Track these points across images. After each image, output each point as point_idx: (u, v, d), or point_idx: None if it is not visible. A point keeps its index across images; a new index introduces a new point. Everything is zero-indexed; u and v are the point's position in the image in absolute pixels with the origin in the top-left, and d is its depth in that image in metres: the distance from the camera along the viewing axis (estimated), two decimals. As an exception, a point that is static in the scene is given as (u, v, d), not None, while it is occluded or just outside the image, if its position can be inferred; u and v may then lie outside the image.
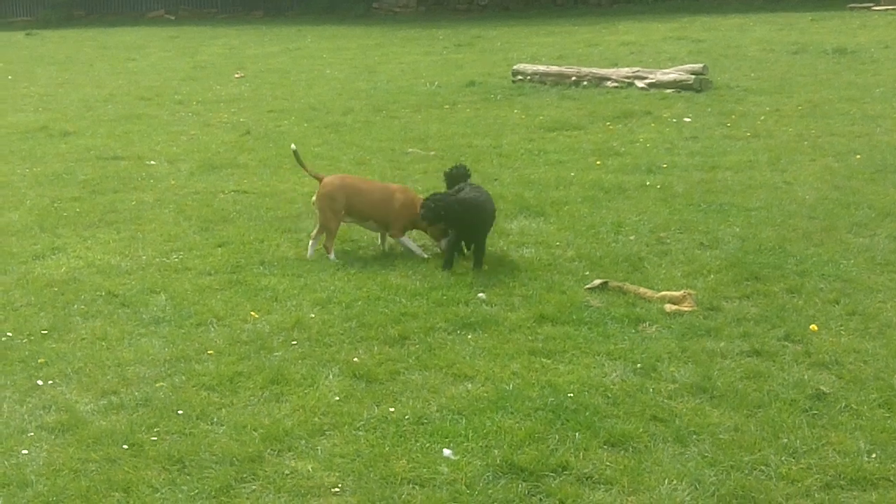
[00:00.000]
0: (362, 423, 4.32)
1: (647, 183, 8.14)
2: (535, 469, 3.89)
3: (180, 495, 3.84)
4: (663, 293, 5.59)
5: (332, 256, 6.50)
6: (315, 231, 6.63)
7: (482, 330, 5.27)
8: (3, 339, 5.39)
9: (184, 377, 4.84)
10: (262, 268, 6.42)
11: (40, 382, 4.83)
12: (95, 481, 3.93)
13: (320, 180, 6.57)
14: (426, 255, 6.52)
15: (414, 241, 6.66)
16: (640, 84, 12.68)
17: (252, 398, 4.60)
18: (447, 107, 12.33)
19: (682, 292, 5.53)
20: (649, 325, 5.27)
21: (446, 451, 4.04)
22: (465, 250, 6.44)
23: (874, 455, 3.92)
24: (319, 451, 4.09)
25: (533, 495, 3.77)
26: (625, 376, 4.68)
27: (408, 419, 4.32)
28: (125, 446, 4.18)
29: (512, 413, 4.34)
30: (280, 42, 21.39)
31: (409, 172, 8.85)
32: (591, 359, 4.88)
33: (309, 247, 6.58)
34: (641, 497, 3.72)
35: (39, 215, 7.92)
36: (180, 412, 4.47)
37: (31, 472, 4.02)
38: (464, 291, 5.81)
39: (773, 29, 18.46)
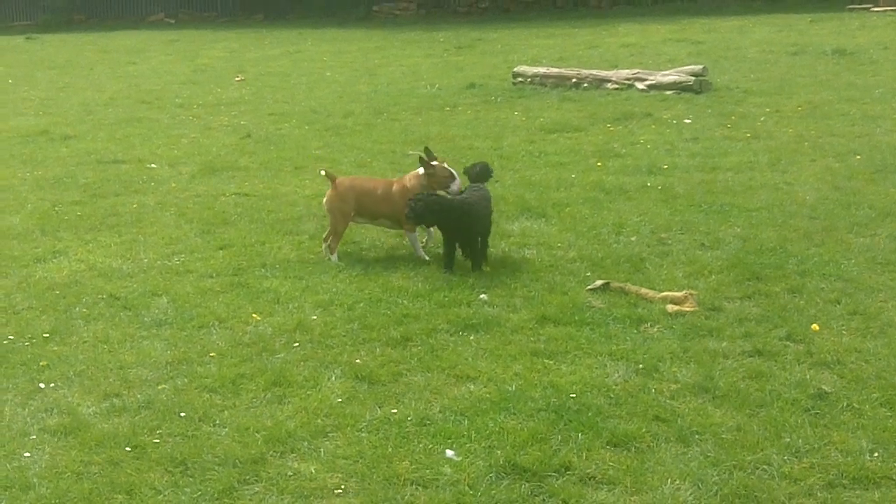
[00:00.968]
0: (365, 424, 4.32)
1: (648, 184, 8.14)
2: (537, 469, 3.89)
3: (183, 497, 3.84)
4: (665, 294, 5.59)
5: (334, 258, 6.51)
6: (327, 234, 6.66)
7: (484, 331, 5.27)
8: (5, 342, 5.40)
9: (186, 379, 4.84)
10: (263, 270, 6.43)
11: (42, 385, 4.84)
12: (98, 484, 3.94)
13: (333, 182, 6.57)
14: (427, 258, 6.52)
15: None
16: (640, 86, 12.69)
17: (254, 400, 4.60)
18: (448, 109, 12.34)
19: (683, 293, 5.54)
20: (651, 325, 5.27)
21: (449, 452, 4.04)
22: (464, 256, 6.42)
23: (876, 454, 3.92)
24: (322, 453, 4.10)
25: (536, 496, 3.77)
26: (627, 377, 4.68)
27: (410, 420, 4.33)
28: (128, 449, 4.19)
29: (514, 414, 4.34)
30: (280, 45, 21.42)
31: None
32: (594, 359, 4.89)
33: (324, 250, 6.59)
34: (644, 497, 3.72)
35: (40, 219, 7.93)
36: (183, 414, 4.47)
37: (34, 474, 4.02)
38: (466, 293, 5.82)
39: (772, 30, 18.48)
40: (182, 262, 6.70)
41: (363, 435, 4.23)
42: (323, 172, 6.71)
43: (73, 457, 4.15)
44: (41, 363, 5.09)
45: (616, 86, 12.87)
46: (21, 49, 23.79)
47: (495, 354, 4.99)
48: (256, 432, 4.27)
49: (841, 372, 4.65)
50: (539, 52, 17.27)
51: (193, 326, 5.52)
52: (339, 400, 4.55)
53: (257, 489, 3.88)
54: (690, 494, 3.72)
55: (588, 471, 3.89)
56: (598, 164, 8.99)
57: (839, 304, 5.46)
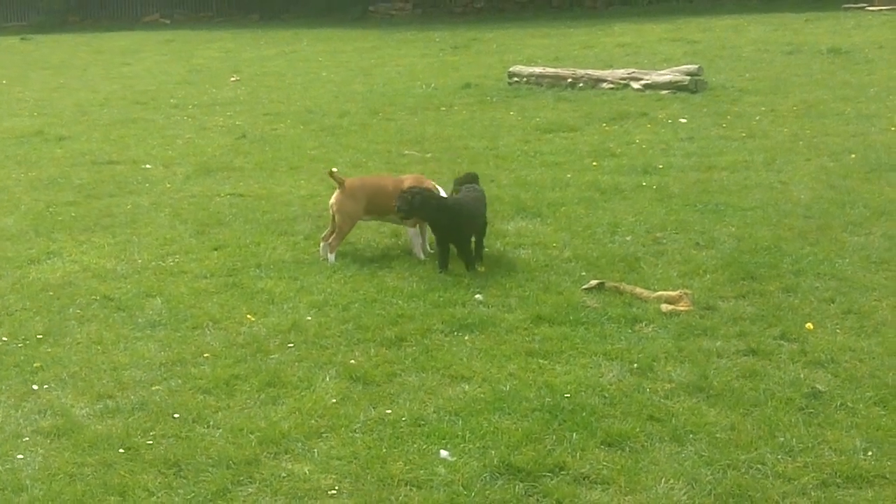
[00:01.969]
0: (359, 425, 4.31)
1: (644, 183, 8.14)
2: (532, 469, 3.89)
3: (176, 499, 3.83)
4: (660, 293, 5.59)
5: (331, 258, 6.50)
6: (327, 233, 6.66)
7: (479, 331, 5.27)
8: (-1, 343, 5.39)
9: (180, 380, 4.83)
10: (258, 271, 6.42)
11: (36, 387, 4.83)
12: (91, 485, 3.93)
13: (341, 184, 6.55)
14: (423, 257, 6.51)
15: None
16: (635, 85, 12.69)
17: (248, 401, 4.60)
18: (443, 109, 12.33)
19: (678, 292, 5.54)
20: (646, 325, 5.27)
21: (443, 453, 4.04)
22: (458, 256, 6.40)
23: (870, 453, 3.92)
24: (316, 454, 4.09)
25: (530, 496, 3.77)
26: (621, 376, 4.68)
27: (405, 421, 4.32)
28: (121, 450, 4.18)
29: (509, 414, 4.34)
30: (276, 45, 21.38)
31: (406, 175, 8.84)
32: (588, 359, 4.89)
33: (321, 249, 6.59)
34: (638, 497, 3.72)
35: (35, 220, 7.91)
36: (176, 416, 4.46)
37: (27, 476, 4.01)
38: (461, 293, 5.81)
39: (767, 29, 18.49)
40: (176, 262, 6.69)
41: (357, 435, 4.22)
42: (334, 170, 6.69)
43: (66, 458, 4.14)
44: (34, 365, 5.08)
45: (611, 85, 12.87)
46: (15, 50, 23.73)
47: (490, 354, 4.99)
48: (250, 433, 4.26)
49: (835, 371, 4.65)
50: (534, 52, 17.26)
51: (187, 327, 5.51)
52: (334, 400, 4.54)
53: (251, 490, 3.87)
54: (684, 494, 3.72)
55: (582, 470, 3.88)
56: (594, 163, 8.99)
57: (833, 302, 5.46)
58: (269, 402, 4.57)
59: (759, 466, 3.87)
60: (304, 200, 8.18)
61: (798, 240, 6.52)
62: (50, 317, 5.76)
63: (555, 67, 14.02)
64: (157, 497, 3.85)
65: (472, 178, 6.70)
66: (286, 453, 4.11)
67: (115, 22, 29.39)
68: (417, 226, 6.56)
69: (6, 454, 4.20)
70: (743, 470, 3.85)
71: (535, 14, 25.10)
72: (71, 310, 5.85)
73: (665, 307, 5.42)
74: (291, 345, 5.20)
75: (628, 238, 6.74)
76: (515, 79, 13.73)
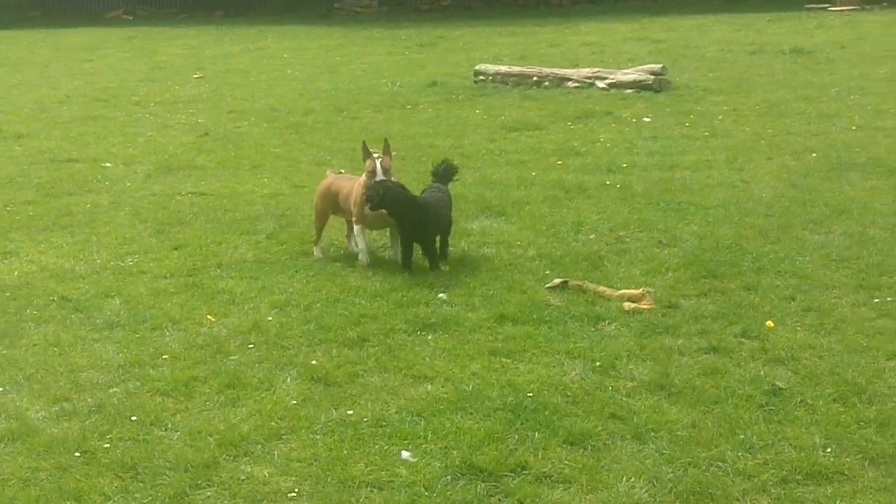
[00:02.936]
0: (320, 426, 4.27)
1: (607, 182, 8.17)
2: (493, 469, 3.87)
3: (133, 503, 3.76)
4: (622, 291, 5.61)
5: (317, 253, 6.55)
6: (347, 231, 6.70)
7: (442, 330, 5.24)
8: (-48, 345, 5.26)
9: (138, 382, 4.75)
10: (219, 270, 6.34)
11: (-10, 390, 4.73)
12: (46, 490, 3.85)
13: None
14: (366, 261, 6.32)
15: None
16: (600, 84, 12.74)
17: (208, 403, 4.53)
18: (409, 107, 12.29)
19: (640, 290, 5.55)
20: (608, 323, 5.28)
21: (405, 454, 4.01)
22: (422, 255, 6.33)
23: (829, 449, 3.96)
24: (276, 456, 4.04)
25: (492, 496, 3.75)
26: (584, 375, 4.68)
27: (366, 422, 4.28)
28: (77, 454, 4.10)
29: (471, 414, 4.32)
30: (240, 42, 21.21)
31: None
32: (551, 358, 4.88)
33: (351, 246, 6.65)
34: (600, 495, 3.72)
35: (-9, 219, 7.76)
36: (134, 418, 4.39)
37: (-21, 481, 3.92)
38: (424, 292, 5.78)
39: (731, 29, 18.67)
40: (136, 262, 6.59)
41: (318, 437, 4.18)
42: (342, 170, 6.67)
43: (20, 463, 4.05)
44: (-11, 367, 4.97)
45: (577, 84, 12.91)
46: (-26, 46, 23.29)
47: (453, 354, 4.97)
48: (209, 436, 4.20)
49: (795, 368, 4.69)
50: (501, 50, 17.28)
51: (146, 328, 5.43)
52: (294, 402, 4.50)
53: (209, 494, 3.82)
54: (645, 492, 3.72)
55: (544, 470, 3.87)
56: (559, 162, 9.01)
57: (794, 300, 5.51)
58: (229, 404, 4.51)
59: (719, 464, 3.89)
60: (266, 199, 8.11)
61: (759, 238, 6.57)
62: (6, 318, 5.64)
63: (521, 66, 14.04)
64: (114, 501, 3.78)
65: (450, 167, 6.63)
66: (245, 456, 4.06)
67: (76, 18, 28.98)
68: (360, 225, 6.38)
69: (-43, 459, 4.10)
70: (704, 467, 3.86)
71: (501, 12, 25.13)
72: (28, 311, 5.74)
73: (627, 305, 5.44)
74: (252, 346, 5.14)
75: (592, 237, 6.75)
76: (481, 77, 13.73)
